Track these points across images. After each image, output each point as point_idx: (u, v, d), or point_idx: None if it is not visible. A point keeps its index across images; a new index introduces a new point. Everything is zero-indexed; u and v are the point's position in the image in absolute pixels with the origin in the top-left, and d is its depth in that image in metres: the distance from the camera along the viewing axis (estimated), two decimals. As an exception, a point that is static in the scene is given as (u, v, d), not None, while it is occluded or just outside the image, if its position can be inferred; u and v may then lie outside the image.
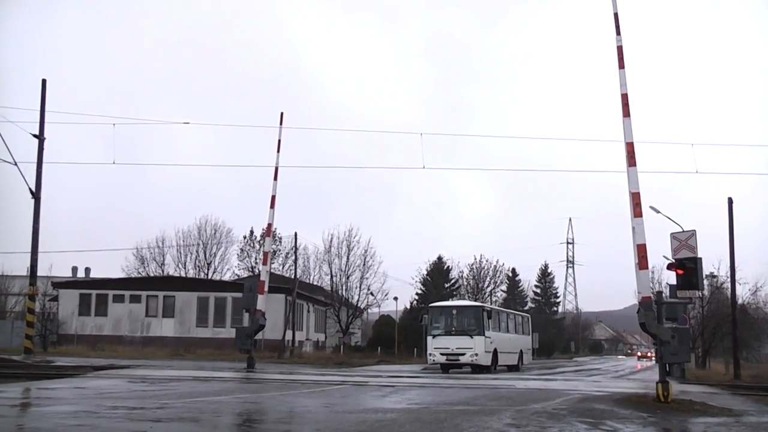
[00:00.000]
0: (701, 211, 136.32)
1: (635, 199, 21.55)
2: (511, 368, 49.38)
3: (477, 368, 44.09)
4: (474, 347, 43.80)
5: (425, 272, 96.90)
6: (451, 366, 45.21)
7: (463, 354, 43.90)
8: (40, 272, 42.47)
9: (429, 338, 45.79)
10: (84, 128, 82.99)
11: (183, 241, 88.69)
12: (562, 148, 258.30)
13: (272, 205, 34.72)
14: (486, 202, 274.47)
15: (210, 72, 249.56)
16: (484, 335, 44.23)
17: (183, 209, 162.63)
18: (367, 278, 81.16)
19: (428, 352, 45.67)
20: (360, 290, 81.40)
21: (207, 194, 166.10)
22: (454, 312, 47.03)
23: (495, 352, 45.80)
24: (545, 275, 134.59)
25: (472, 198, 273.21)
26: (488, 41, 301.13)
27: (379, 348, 76.66)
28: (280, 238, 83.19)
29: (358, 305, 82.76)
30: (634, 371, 60.55)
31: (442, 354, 44.53)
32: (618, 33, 22.97)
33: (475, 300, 73.78)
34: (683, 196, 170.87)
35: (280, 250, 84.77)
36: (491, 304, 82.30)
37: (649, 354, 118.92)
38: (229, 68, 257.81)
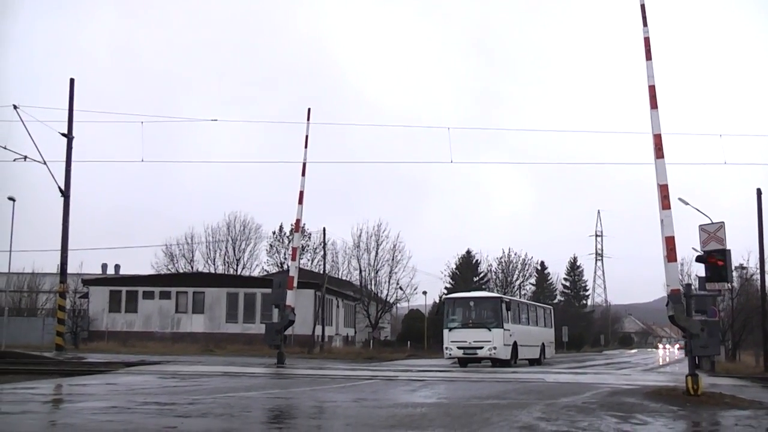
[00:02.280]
0: (730, 202, 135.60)
1: (663, 191, 21.46)
2: (533, 362, 48.02)
3: (496, 362, 42.88)
4: (492, 340, 42.50)
5: (454, 266, 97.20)
6: (468, 360, 43.77)
7: (481, 347, 42.58)
8: (70, 270, 42.75)
9: (445, 331, 44.49)
10: (113, 126, 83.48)
11: (212, 237, 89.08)
12: (591, 141, 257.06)
13: (300, 201, 34.79)
14: (515, 196, 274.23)
15: (240, 67, 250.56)
16: (502, 328, 42.94)
17: (212, 206, 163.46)
18: (396, 273, 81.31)
19: (444, 345, 44.43)
20: (389, 285, 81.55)
21: (236, 190, 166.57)
22: (471, 304, 45.96)
23: (515, 346, 44.48)
24: (574, 268, 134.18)
25: (501, 192, 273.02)
26: (521, 33, 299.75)
27: (408, 342, 76.71)
28: (309, 234, 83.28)
29: (387, 300, 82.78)
30: (665, 364, 60.24)
31: (459, 348, 43.19)
32: (645, 24, 22.86)
33: (504, 293, 73.50)
34: (712, 187, 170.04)
35: (308, 246, 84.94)
36: (520, 297, 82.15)
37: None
38: (259, 63, 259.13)
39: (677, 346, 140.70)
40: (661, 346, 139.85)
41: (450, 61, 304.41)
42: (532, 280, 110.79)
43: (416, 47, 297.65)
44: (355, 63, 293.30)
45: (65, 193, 39.38)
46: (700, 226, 25.89)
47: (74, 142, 39.92)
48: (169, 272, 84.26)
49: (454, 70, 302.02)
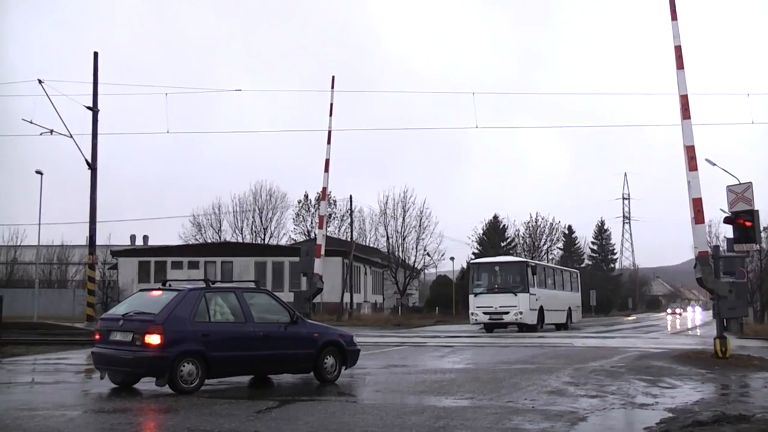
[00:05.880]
0: (758, 162, 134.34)
1: (690, 153, 21.41)
2: (559, 327, 47.25)
3: (522, 327, 42.48)
4: (518, 305, 42.08)
5: (481, 231, 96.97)
6: (494, 325, 43.41)
7: (507, 312, 42.11)
8: (98, 241, 43.08)
9: (471, 297, 44.37)
10: (138, 98, 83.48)
11: (239, 206, 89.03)
12: (619, 103, 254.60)
13: (326, 169, 34.76)
14: (543, 160, 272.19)
15: (267, 34, 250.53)
16: (528, 292, 42.63)
17: (238, 175, 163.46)
18: (423, 239, 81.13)
19: (470, 311, 44.19)
20: (416, 251, 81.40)
21: (262, 159, 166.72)
22: (497, 268, 45.75)
23: (541, 310, 43.98)
24: (602, 232, 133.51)
25: (529, 156, 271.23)
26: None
27: (436, 308, 76.73)
28: (335, 201, 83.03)
29: (415, 266, 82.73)
30: (688, 328, 59.94)
31: (485, 313, 42.85)
32: (670, -16, 22.71)
33: (531, 258, 73.25)
34: (739, 147, 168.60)
35: (335, 213, 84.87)
36: (547, 261, 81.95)
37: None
38: (287, 29, 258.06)
39: (695, 308, 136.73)
40: (669, 310, 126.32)
41: (488, 20, 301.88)
42: (560, 245, 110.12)
43: (453, 7, 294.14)
44: (387, 24, 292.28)
45: (92, 166, 39.56)
46: (727, 186, 25.62)
47: (100, 115, 40.06)
48: (196, 242, 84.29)
49: (492, 30, 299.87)
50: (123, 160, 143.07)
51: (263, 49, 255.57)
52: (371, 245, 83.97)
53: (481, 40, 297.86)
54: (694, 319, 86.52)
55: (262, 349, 15.25)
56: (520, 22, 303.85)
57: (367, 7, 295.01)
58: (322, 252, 34.54)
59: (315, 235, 48.82)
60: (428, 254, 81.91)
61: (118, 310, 15.58)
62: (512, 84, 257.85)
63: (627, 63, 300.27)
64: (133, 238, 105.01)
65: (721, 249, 28.88)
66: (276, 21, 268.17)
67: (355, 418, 11.54)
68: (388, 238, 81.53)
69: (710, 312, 73.91)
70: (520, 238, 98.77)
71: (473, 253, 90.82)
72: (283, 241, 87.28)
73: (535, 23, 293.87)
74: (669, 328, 56.13)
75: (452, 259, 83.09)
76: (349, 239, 73.87)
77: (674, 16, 22.38)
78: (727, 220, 23.54)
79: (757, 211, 23.04)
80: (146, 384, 14.52)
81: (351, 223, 75.97)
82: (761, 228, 33.06)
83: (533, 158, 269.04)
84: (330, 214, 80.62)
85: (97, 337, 15.12)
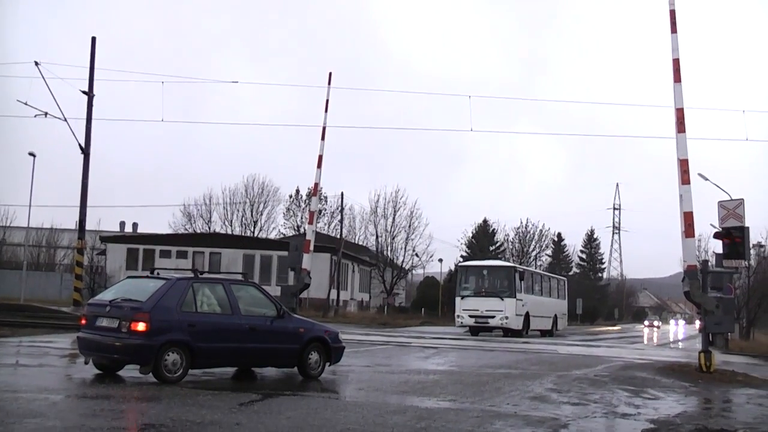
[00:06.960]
0: (750, 179, 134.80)
1: (683, 166, 21.42)
2: (545, 333, 47.53)
3: (507, 332, 42.55)
4: (504, 310, 42.15)
5: (471, 235, 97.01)
6: (480, 329, 43.29)
7: (493, 317, 42.22)
8: (88, 226, 43.00)
9: (457, 299, 44.31)
10: (134, 85, 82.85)
11: (230, 198, 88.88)
12: (613, 113, 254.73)
13: (319, 165, 34.70)
14: (537, 166, 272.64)
15: (268, 27, 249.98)
16: (515, 297, 42.66)
17: (231, 167, 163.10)
18: (412, 239, 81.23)
19: (456, 313, 44.23)
20: (405, 251, 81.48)
21: (255, 152, 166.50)
22: (485, 272, 45.77)
23: (527, 316, 44.16)
24: (591, 241, 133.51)
25: (524, 162, 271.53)
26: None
27: (422, 309, 76.82)
28: (326, 197, 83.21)
29: (403, 266, 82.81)
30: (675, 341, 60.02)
31: (470, 316, 42.82)
32: (671, -3, 22.71)
33: (520, 264, 73.30)
34: (733, 163, 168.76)
35: (326, 209, 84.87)
36: (536, 268, 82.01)
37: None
38: (288, 23, 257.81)
39: (678, 321, 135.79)
40: (647, 322, 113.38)
41: (491, 24, 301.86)
42: (549, 251, 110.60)
43: (456, 10, 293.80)
44: (390, 23, 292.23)
45: (85, 151, 39.48)
46: (719, 202, 25.62)
47: (95, 100, 39.99)
48: (186, 232, 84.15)
49: (495, 34, 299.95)
50: (116, 146, 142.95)
51: (263, 43, 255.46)
52: (360, 243, 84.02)
53: (484, 43, 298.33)
54: (677, 332, 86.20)
55: (247, 342, 15.24)
56: (522, 28, 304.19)
57: (370, 6, 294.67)
58: (311, 247, 34.48)
59: (305, 230, 48.73)
60: (417, 255, 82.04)
61: (106, 296, 15.53)
62: (512, 89, 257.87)
63: (626, 73, 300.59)
64: (122, 224, 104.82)
65: (709, 264, 28.87)
66: (278, 15, 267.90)
67: (336, 415, 11.55)
68: (377, 237, 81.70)
69: (694, 326, 73.85)
70: (510, 243, 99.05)
71: (462, 256, 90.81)
72: (273, 235, 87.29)
73: (537, 29, 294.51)
74: (645, 340, 55.93)
75: (440, 260, 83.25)
76: (338, 236, 73.88)
77: (674, 29, 22.37)
78: (717, 236, 23.57)
79: (748, 227, 23.05)
80: (130, 371, 14.52)
81: (341, 220, 76.01)
82: (751, 245, 33.09)
83: (528, 164, 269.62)
84: (320, 210, 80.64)
85: (83, 322, 15.09)
